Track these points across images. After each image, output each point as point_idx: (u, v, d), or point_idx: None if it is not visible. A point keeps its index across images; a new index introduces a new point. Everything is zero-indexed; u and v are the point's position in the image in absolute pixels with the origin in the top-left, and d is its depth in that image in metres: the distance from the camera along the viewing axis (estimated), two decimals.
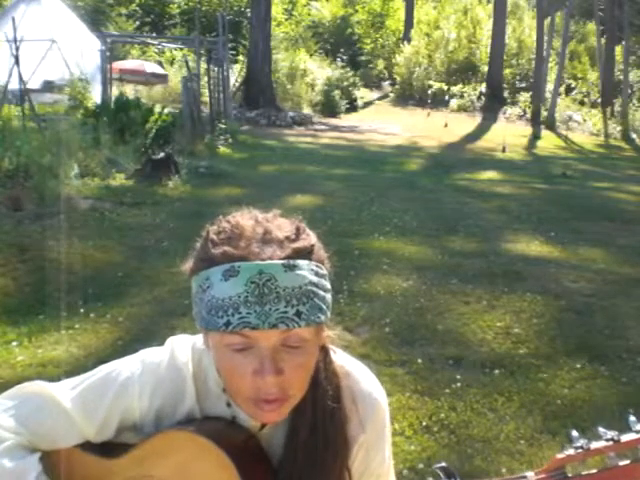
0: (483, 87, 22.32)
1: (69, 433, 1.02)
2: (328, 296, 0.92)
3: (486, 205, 8.22)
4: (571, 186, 10.10)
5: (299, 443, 0.98)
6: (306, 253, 0.90)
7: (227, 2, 25.37)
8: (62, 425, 1.01)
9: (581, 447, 0.95)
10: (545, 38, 20.40)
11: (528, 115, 20.22)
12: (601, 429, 0.96)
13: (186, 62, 13.76)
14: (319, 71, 21.53)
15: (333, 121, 18.89)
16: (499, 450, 2.80)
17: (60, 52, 13.28)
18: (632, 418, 0.97)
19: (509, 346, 3.84)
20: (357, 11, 29.01)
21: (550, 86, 20.64)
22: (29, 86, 10.38)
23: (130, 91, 15.12)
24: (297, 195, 7.94)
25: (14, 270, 4.74)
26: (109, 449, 1.02)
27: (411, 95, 23.48)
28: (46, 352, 3.55)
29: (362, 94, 22.83)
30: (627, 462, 0.95)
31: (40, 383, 1.05)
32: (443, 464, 1.02)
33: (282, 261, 0.87)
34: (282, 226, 0.92)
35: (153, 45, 20.92)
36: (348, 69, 22.69)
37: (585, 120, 20.26)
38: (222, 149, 11.24)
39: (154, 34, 23.35)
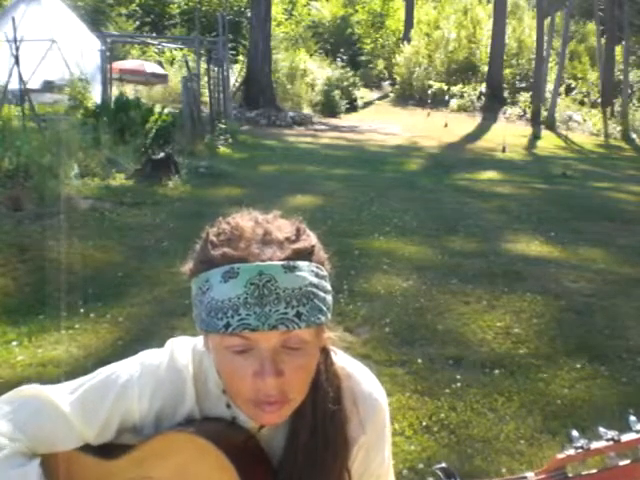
0: (483, 87, 22.33)
1: (68, 437, 1.01)
2: (328, 297, 0.92)
3: (486, 205, 8.22)
4: (571, 186, 10.10)
5: (299, 445, 0.98)
6: (306, 254, 0.90)
7: (227, 2, 25.39)
8: (61, 429, 1.01)
9: (581, 447, 0.95)
10: (545, 38, 20.40)
11: (528, 115, 20.22)
12: (601, 429, 0.96)
13: (186, 62, 13.76)
14: (319, 71, 21.54)
15: (333, 121, 18.89)
16: (499, 450, 2.80)
17: (60, 52, 13.29)
18: (632, 418, 0.97)
19: (509, 346, 3.84)
20: (357, 11, 29.02)
21: (550, 86, 20.64)
22: (29, 86, 10.38)
23: (130, 91, 15.12)
24: (297, 195, 7.94)
25: (14, 270, 4.74)
26: (108, 450, 1.02)
27: (411, 95, 23.49)
28: (46, 352, 3.55)
29: (362, 94, 22.83)
30: (627, 462, 0.94)
31: (38, 387, 1.04)
32: (443, 464, 1.02)
33: (282, 262, 0.87)
34: (282, 227, 0.92)
35: (153, 45, 20.93)
36: (348, 69, 22.70)
37: (585, 120, 20.26)
38: (222, 149, 11.24)
39: (154, 34, 23.36)
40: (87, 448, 1.02)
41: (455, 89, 22.17)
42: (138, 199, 7.09)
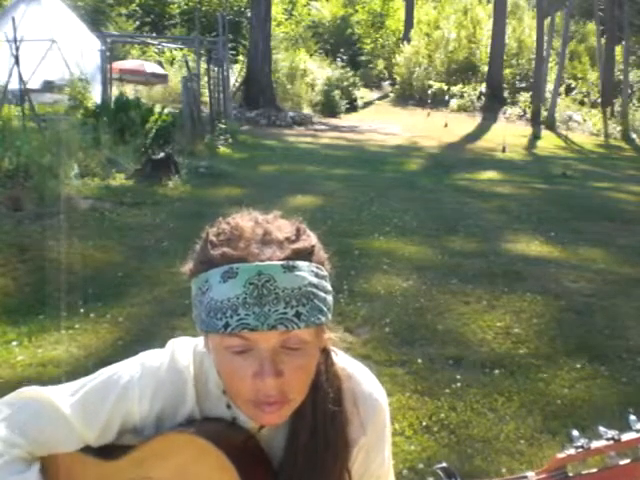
0: (483, 87, 22.33)
1: (69, 439, 1.01)
2: (329, 298, 0.92)
3: (486, 205, 8.22)
4: (571, 186, 10.10)
5: (299, 446, 0.98)
6: (306, 254, 0.90)
7: (227, 2, 25.39)
8: (62, 431, 1.00)
9: (581, 446, 0.95)
10: (545, 38, 20.40)
11: (528, 115, 20.22)
12: (601, 428, 0.96)
13: (186, 62, 13.76)
14: (319, 71, 21.54)
15: (333, 121, 18.89)
16: (499, 450, 2.80)
17: (60, 52, 13.29)
18: (632, 417, 0.97)
19: (509, 346, 3.84)
20: (357, 11, 29.02)
21: (550, 86, 20.64)
22: (29, 86, 10.38)
23: (130, 91, 15.11)
24: (297, 195, 7.94)
25: (14, 270, 4.74)
26: (108, 451, 1.02)
27: (411, 95, 23.48)
28: (46, 352, 3.55)
29: (362, 94, 22.83)
30: (627, 461, 0.95)
31: (38, 388, 1.04)
32: (444, 464, 1.02)
33: (281, 262, 0.87)
34: (282, 227, 0.92)
35: (153, 45, 20.93)
36: (348, 69, 22.70)
37: (585, 120, 20.26)
38: (222, 149, 11.24)
39: (154, 34, 23.35)
40: (87, 449, 1.02)
41: (455, 89, 22.17)
42: (138, 199, 7.09)
